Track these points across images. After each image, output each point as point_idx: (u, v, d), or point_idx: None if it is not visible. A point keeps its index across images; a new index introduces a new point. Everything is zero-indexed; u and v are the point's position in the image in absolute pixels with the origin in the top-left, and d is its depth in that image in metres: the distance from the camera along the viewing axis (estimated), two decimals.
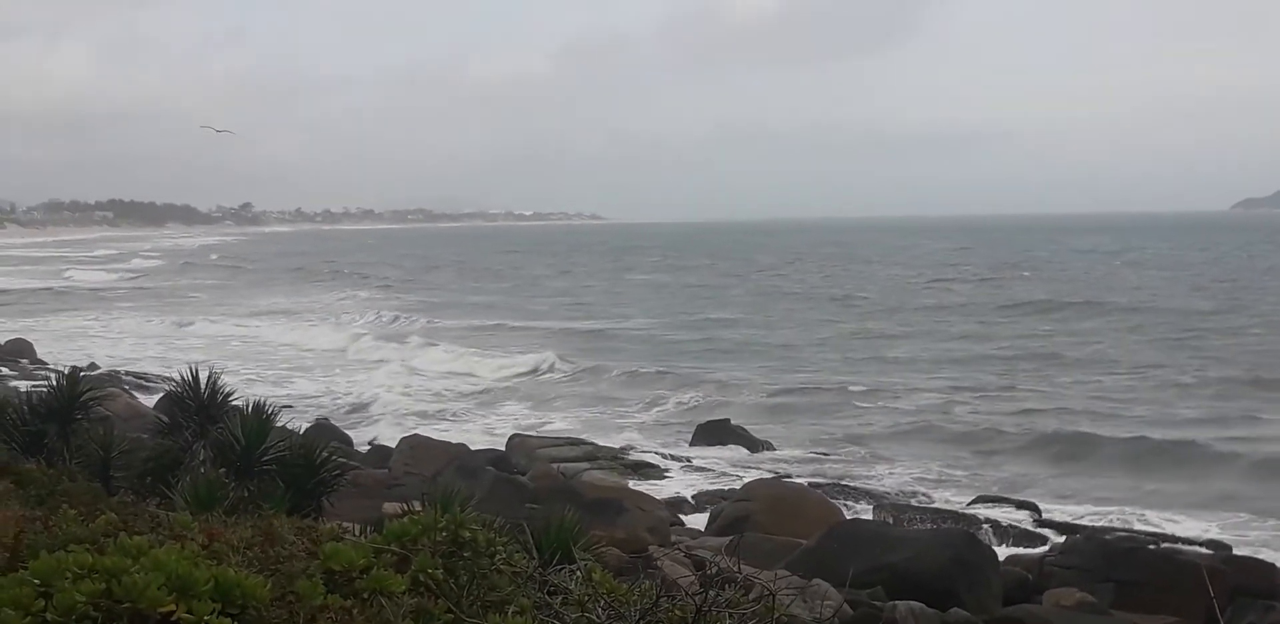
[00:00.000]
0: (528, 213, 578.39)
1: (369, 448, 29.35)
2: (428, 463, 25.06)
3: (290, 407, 30.88)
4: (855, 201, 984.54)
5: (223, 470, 8.35)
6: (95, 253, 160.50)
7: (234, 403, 9.67)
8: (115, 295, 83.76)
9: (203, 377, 9.71)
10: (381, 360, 48.76)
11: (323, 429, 27.81)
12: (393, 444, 28.62)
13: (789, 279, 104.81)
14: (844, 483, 27.07)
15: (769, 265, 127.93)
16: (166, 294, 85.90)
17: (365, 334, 57.54)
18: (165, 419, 10.09)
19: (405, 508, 6.01)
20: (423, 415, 36.01)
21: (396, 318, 66.95)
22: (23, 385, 24.74)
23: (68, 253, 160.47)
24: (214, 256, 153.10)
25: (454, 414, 37.12)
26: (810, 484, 25.91)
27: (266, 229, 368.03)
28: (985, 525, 22.91)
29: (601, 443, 30.50)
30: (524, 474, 24.65)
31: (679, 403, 38.41)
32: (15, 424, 9.85)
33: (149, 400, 31.96)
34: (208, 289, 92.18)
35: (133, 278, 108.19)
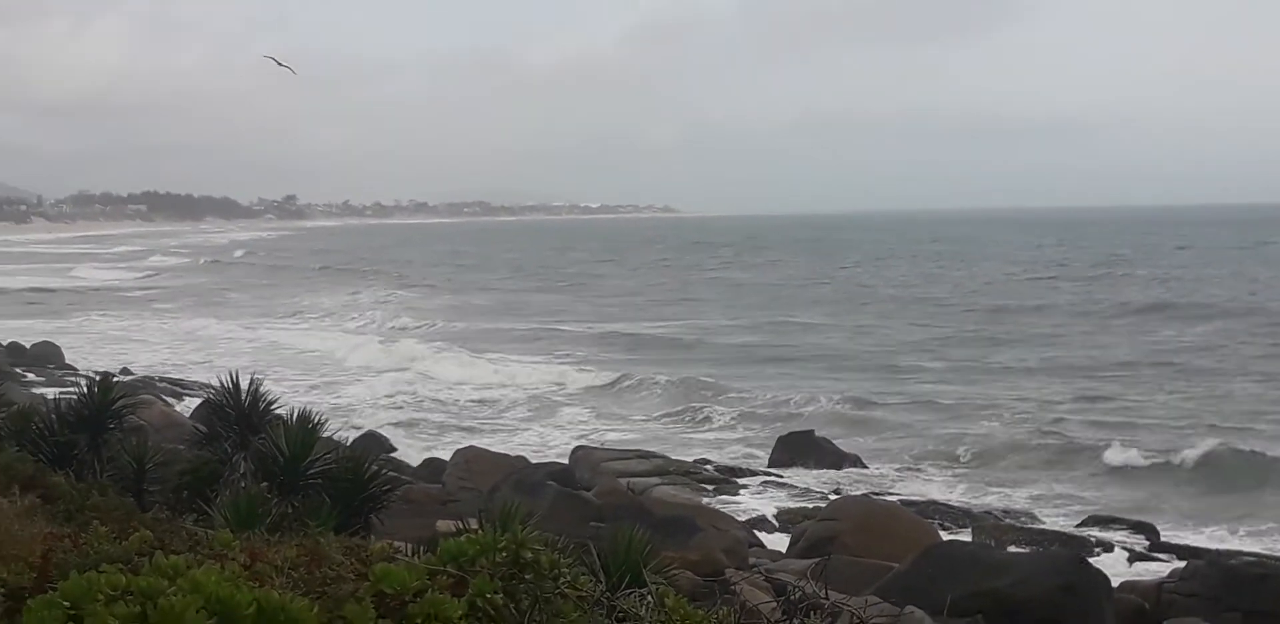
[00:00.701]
0: (594, 205, 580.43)
1: (421, 460, 29.47)
2: (484, 477, 25.15)
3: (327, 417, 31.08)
4: (955, 192, 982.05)
5: (265, 485, 8.41)
6: (116, 249, 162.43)
7: (277, 412, 9.74)
8: (133, 298, 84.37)
9: (244, 383, 9.79)
10: (415, 367, 48.11)
11: (371, 440, 28.05)
12: (431, 456, 28.85)
13: (879, 277, 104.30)
14: (940, 501, 26.89)
15: (857, 262, 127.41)
16: (180, 295, 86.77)
17: (404, 339, 57.49)
18: (203, 429, 10.21)
19: (461, 526, 6.04)
20: (470, 429, 35.88)
21: (434, 323, 66.57)
22: (50, 392, 25.08)
23: (90, 249, 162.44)
24: (239, 253, 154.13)
25: (505, 425, 37.16)
26: (903, 502, 25.74)
27: (310, 223, 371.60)
28: (1097, 548, 22.71)
29: (673, 456, 30.48)
30: (589, 490, 24.66)
31: (756, 413, 38.09)
32: (43, 434, 9.98)
33: (186, 408, 32.38)
34: (228, 290, 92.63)
35: (147, 277, 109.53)
